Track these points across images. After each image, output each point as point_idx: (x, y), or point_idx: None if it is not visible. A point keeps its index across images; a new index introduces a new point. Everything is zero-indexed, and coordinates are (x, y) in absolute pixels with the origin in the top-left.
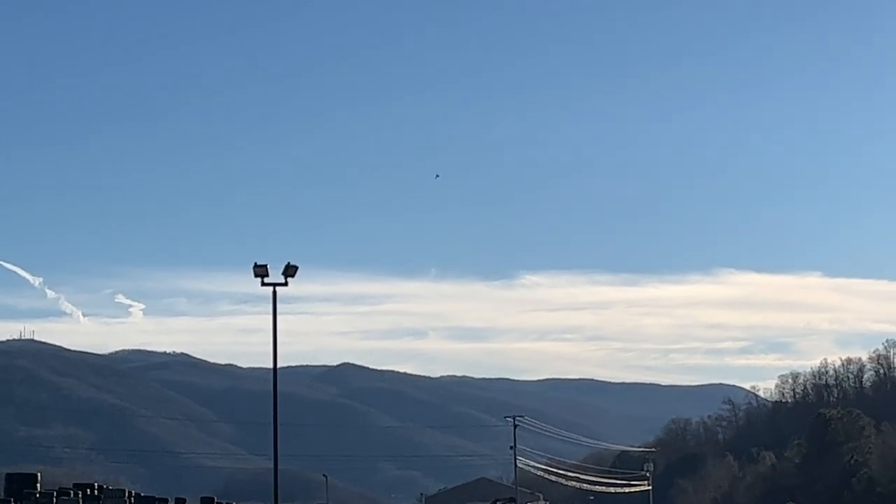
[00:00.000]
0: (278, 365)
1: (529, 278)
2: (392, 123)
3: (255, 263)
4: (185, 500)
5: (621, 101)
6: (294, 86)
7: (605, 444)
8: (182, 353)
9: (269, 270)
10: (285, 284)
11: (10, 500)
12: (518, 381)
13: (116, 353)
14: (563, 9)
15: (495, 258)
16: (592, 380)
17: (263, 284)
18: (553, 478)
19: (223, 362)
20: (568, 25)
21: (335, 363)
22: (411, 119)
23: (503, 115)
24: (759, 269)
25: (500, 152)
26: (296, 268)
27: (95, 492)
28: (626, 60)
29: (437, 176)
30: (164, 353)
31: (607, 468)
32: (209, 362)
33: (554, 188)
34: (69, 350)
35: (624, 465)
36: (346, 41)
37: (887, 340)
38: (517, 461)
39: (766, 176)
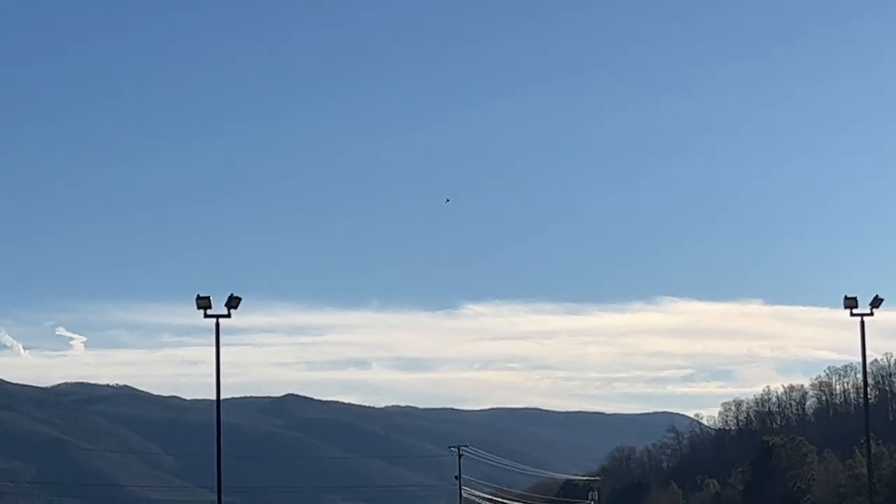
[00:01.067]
0: (222, 396)
1: (472, 308)
2: (335, 154)
3: (198, 295)
4: None
5: (562, 129)
6: (234, 117)
7: (550, 473)
8: (125, 386)
9: (212, 302)
10: (228, 316)
11: None
12: (462, 410)
13: (58, 385)
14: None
15: (438, 288)
16: (537, 409)
17: (206, 316)
18: None
19: (166, 394)
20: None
21: (279, 394)
22: (353, 149)
23: (443, 148)
24: (700, 297)
25: (441, 183)
26: (239, 299)
27: None
28: (567, 98)
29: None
30: (107, 385)
31: (553, 497)
32: (152, 394)
33: (495, 218)
34: (10, 383)
35: (569, 493)
36: (290, 81)
37: (829, 367)
38: (462, 491)
39: (705, 205)
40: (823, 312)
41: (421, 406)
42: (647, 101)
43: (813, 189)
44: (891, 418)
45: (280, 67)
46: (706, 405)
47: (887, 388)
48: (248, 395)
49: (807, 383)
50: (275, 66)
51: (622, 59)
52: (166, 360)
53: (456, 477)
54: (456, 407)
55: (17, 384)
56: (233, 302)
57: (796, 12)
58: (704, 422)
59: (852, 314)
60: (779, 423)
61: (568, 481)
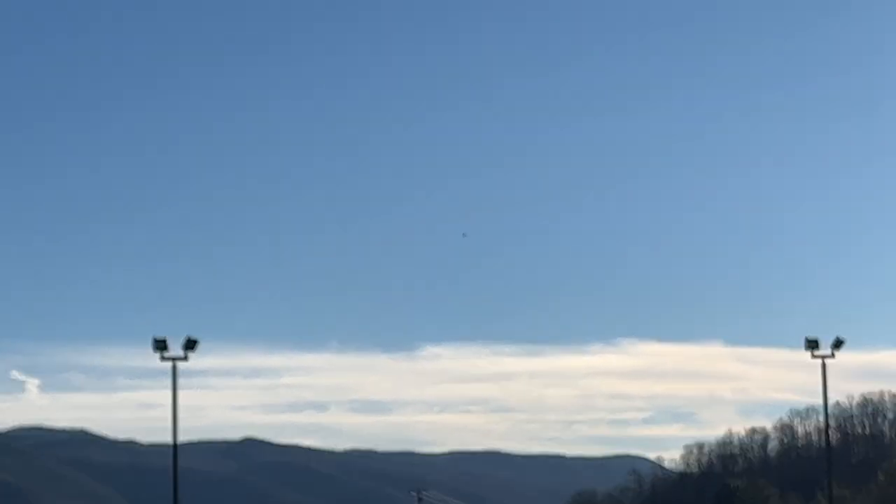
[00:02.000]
0: (179, 440)
1: (431, 350)
2: (291, 196)
3: (155, 338)
4: None
5: (517, 174)
6: (187, 153)
7: None
8: (81, 429)
9: (169, 344)
10: (185, 359)
11: None
12: (422, 454)
13: (12, 430)
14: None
15: (397, 330)
16: (497, 451)
17: (163, 359)
18: None
19: (123, 438)
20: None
21: (237, 438)
22: (310, 191)
23: (399, 191)
24: (660, 338)
25: (399, 226)
26: (196, 341)
27: None
28: (523, 138)
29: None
30: (62, 429)
31: None
32: (109, 438)
33: (454, 260)
34: None
35: None
36: (241, 119)
37: (791, 410)
38: None
39: (665, 245)
40: (784, 354)
41: (380, 449)
42: (604, 139)
43: (773, 230)
44: (853, 461)
45: (222, 106)
46: (667, 447)
47: (849, 431)
48: (206, 438)
49: (769, 425)
50: (218, 105)
51: (566, 114)
52: (122, 403)
53: None
54: (416, 450)
55: None
56: (190, 344)
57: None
58: (666, 464)
59: (814, 356)
60: (741, 465)
61: None
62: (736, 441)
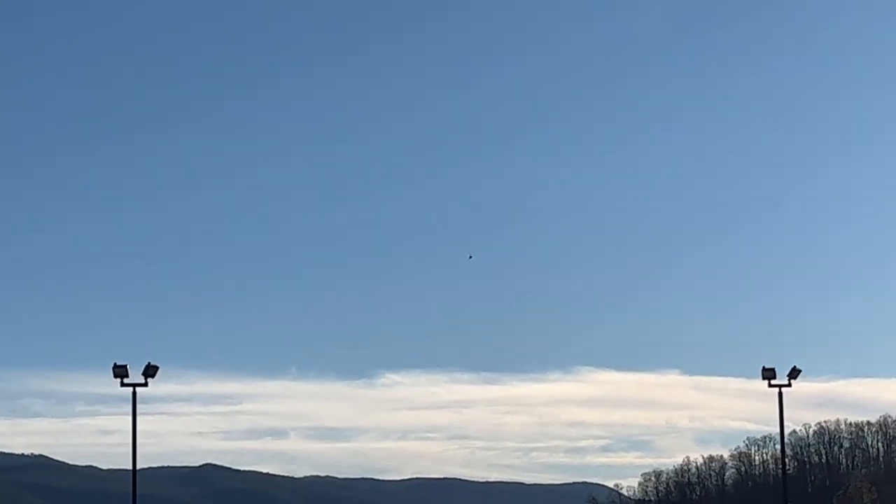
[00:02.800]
0: (139, 466)
1: (390, 377)
2: (251, 222)
3: (115, 364)
4: None
5: (481, 199)
6: (146, 177)
7: None
8: (40, 455)
9: (129, 371)
10: (145, 385)
11: None
12: (381, 480)
13: None
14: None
15: (356, 357)
16: (456, 479)
17: (123, 385)
18: None
19: (82, 464)
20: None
21: (197, 464)
22: (270, 218)
23: (358, 220)
24: (618, 367)
25: (359, 249)
26: (156, 368)
27: None
28: (483, 172)
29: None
30: (21, 454)
31: None
32: (68, 464)
33: (413, 287)
34: None
35: None
36: (206, 148)
37: (748, 438)
38: None
39: (622, 274)
40: (741, 383)
41: (340, 476)
42: (564, 168)
43: (729, 259)
44: (810, 489)
45: (195, 133)
46: (625, 475)
47: (806, 459)
48: (165, 464)
49: (726, 454)
50: (189, 129)
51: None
52: (81, 429)
53: None
54: (375, 477)
55: None
56: (150, 371)
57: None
58: (624, 492)
59: (770, 385)
60: (699, 493)
61: None
62: (693, 469)
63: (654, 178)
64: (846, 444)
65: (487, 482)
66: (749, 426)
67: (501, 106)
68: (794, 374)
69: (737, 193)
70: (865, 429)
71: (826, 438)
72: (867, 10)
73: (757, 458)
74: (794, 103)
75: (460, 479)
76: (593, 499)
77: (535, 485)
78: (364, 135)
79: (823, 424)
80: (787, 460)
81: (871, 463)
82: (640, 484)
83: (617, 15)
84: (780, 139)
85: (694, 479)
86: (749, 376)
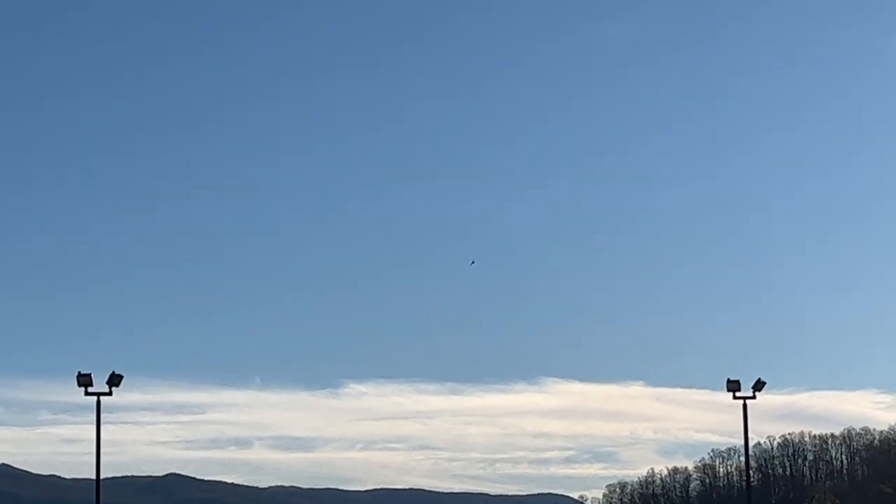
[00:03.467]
0: (102, 475)
1: (355, 387)
2: (215, 232)
3: (80, 373)
4: None
5: (443, 210)
6: (111, 185)
7: None
8: (2, 464)
9: (93, 379)
10: (110, 394)
11: None
12: (346, 490)
13: None
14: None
15: (320, 367)
16: (420, 489)
17: (88, 394)
18: None
19: (45, 473)
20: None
21: (161, 473)
22: (233, 227)
23: (324, 229)
24: (582, 378)
25: (323, 260)
26: (121, 377)
27: None
28: (450, 187)
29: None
30: None
31: None
32: (31, 473)
33: (377, 297)
34: None
35: None
36: (173, 163)
37: (713, 450)
38: None
39: (586, 285)
40: (706, 395)
41: (304, 486)
42: (533, 178)
43: (694, 271)
44: (774, 501)
45: (155, 156)
46: (589, 486)
47: (770, 472)
48: (129, 474)
49: (690, 466)
50: (150, 152)
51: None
52: (45, 438)
53: None
54: (339, 487)
55: None
56: (114, 380)
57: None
58: (589, 503)
59: (735, 397)
60: None
61: None
62: (658, 481)
63: (621, 191)
64: (810, 457)
65: (452, 493)
66: (713, 438)
67: (470, 118)
68: (759, 386)
69: (702, 208)
70: (829, 441)
71: (790, 451)
72: (843, 23)
73: (721, 469)
74: (770, 114)
75: (424, 490)
76: None
77: (499, 495)
78: (326, 149)
79: (788, 437)
80: (751, 472)
81: (835, 475)
82: (604, 495)
83: (584, 25)
84: (750, 152)
85: (658, 491)
86: (714, 388)
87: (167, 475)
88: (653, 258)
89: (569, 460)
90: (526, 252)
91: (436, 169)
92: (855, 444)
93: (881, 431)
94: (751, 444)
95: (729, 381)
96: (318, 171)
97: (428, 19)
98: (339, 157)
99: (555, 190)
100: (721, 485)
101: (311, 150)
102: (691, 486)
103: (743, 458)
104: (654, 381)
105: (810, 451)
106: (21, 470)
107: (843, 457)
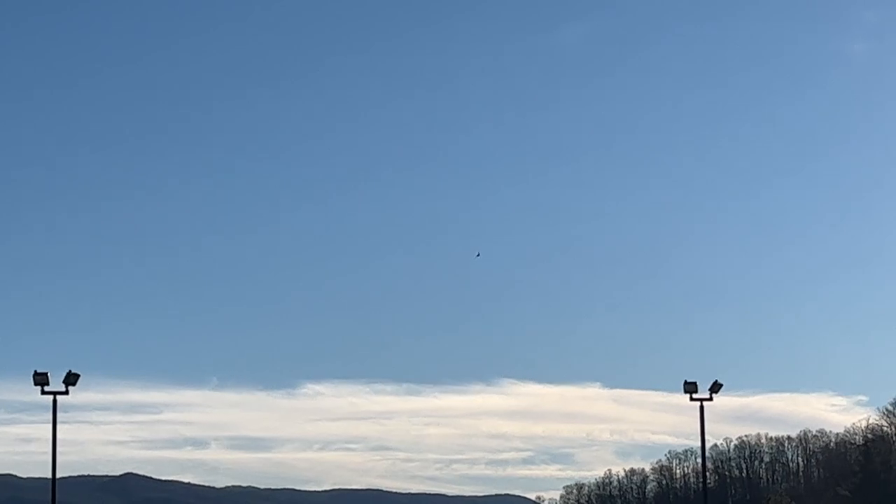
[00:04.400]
0: (59, 475)
1: (312, 388)
2: (172, 232)
3: (36, 371)
4: None
5: (408, 211)
6: (68, 183)
7: None
8: None
9: (49, 378)
10: (66, 393)
11: None
12: (303, 491)
13: None
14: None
15: (277, 367)
16: (378, 490)
17: (44, 393)
18: None
19: (1, 472)
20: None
21: (117, 473)
22: (192, 224)
23: (280, 231)
24: (539, 379)
25: (280, 260)
26: (77, 376)
27: None
28: (421, 183)
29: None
30: None
31: None
32: None
33: (334, 298)
34: None
35: None
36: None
37: (670, 452)
38: None
39: (544, 288)
40: (662, 397)
41: (262, 486)
42: (490, 182)
43: (651, 273)
44: (730, 502)
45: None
46: (546, 488)
47: (727, 473)
48: (86, 473)
49: (647, 467)
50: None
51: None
52: (0, 437)
53: None
54: (297, 487)
55: None
56: (71, 379)
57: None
58: None
59: (692, 399)
60: None
61: None
62: (615, 482)
63: (577, 195)
64: (766, 459)
65: (409, 493)
66: (670, 440)
67: (424, 121)
68: (716, 388)
69: (658, 212)
70: (786, 443)
71: (747, 452)
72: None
73: (678, 471)
74: (728, 118)
75: (382, 491)
76: None
77: (456, 496)
78: (281, 149)
79: (744, 439)
80: (708, 474)
81: (791, 477)
82: (562, 496)
83: (540, 27)
84: (706, 156)
85: (616, 492)
86: (671, 390)
87: (124, 474)
88: (609, 261)
89: (526, 461)
90: (484, 254)
91: (394, 170)
92: (811, 446)
93: (837, 434)
94: (707, 445)
95: (686, 383)
96: (274, 170)
97: (378, 27)
98: (296, 157)
99: (511, 194)
100: (678, 486)
101: (275, 150)
102: (648, 487)
103: (700, 460)
104: (611, 382)
105: (767, 453)
106: None
107: (800, 459)
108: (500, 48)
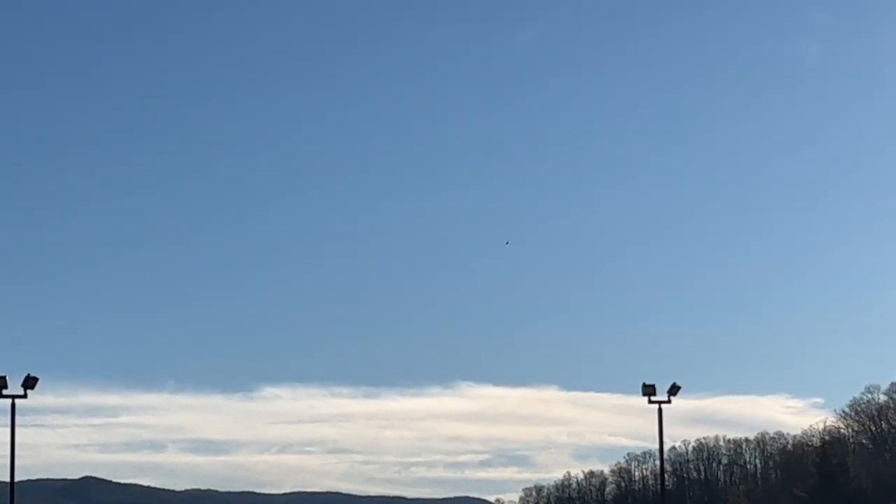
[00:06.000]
0: (17, 478)
1: (269, 390)
2: (131, 235)
3: None
4: None
5: (357, 213)
6: (32, 186)
7: None
8: None
9: (7, 382)
10: (25, 396)
11: None
12: (262, 494)
13: None
14: None
15: (234, 370)
16: (337, 492)
17: (1, 396)
18: None
19: None
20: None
21: (75, 476)
22: (153, 226)
23: (238, 234)
24: (496, 382)
25: (237, 262)
26: (36, 379)
27: None
28: (376, 185)
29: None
30: None
31: None
32: None
33: (292, 300)
34: None
35: None
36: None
37: (629, 454)
38: None
39: (501, 289)
40: (620, 399)
41: (221, 489)
42: (449, 184)
43: (608, 275)
44: None
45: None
46: (504, 490)
47: (685, 475)
48: (43, 476)
49: (606, 469)
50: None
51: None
52: None
53: None
54: (256, 490)
55: None
56: (30, 382)
57: None
58: None
59: (650, 401)
60: None
61: None
62: (574, 484)
63: (535, 196)
64: (724, 461)
65: (368, 496)
66: (628, 442)
67: (376, 125)
68: (674, 390)
69: (616, 214)
70: (743, 445)
71: (705, 454)
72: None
73: (637, 473)
74: (684, 121)
75: (341, 493)
76: None
77: (415, 499)
78: (236, 155)
79: (702, 441)
80: (666, 476)
81: (749, 479)
82: (521, 498)
83: (495, 27)
84: (665, 158)
85: (575, 495)
86: (628, 392)
87: (82, 478)
88: (567, 262)
89: (484, 464)
90: (440, 255)
91: (349, 172)
92: (769, 448)
93: (794, 436)
94: (665, 447)
95: (644, 386)
96: (230, 176)
97: (329, 29)
98: (257, 162)
99: (468, 194)
100: (637, 488)
101: (235, 152)
102: (607, 489)
103: (658, 462)
104: (568, 385)
105: (725, 455)
106: None
107: (757, 461)
108: (466, 48)
